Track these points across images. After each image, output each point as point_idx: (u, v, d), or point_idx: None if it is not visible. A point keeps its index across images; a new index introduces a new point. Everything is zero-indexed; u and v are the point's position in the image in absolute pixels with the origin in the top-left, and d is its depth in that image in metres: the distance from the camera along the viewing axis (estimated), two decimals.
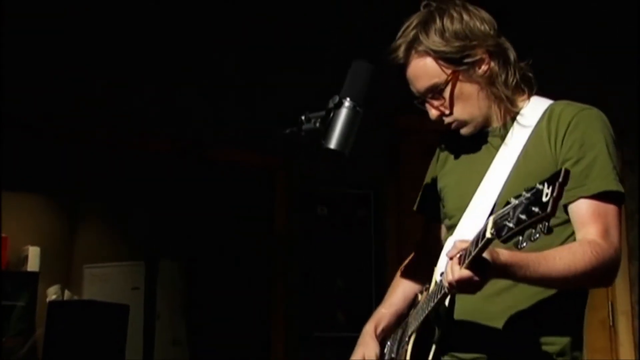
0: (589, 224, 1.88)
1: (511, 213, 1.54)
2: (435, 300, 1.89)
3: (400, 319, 2.23)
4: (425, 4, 2.05)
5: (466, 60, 1.99)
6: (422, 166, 2.36)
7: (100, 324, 3.94)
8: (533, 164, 1.97)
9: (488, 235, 1.58)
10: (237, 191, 4.58)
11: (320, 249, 4.29)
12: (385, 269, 4.17)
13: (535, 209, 1.48)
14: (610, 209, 1.89)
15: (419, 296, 2.16)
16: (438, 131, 2.25)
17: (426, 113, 2.08)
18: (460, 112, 2.03)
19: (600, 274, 1.85)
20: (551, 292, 1.92)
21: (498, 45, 2.02)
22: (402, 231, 4.25)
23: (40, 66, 3.92)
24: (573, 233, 1.92)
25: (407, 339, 2.06)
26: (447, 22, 1.99)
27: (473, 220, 2.00)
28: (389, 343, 2.22)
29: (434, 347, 1.98)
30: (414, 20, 2.03)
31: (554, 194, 1.46)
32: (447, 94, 2.01)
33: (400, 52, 2.03)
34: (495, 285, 1.80)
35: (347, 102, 1.87)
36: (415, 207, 2.35)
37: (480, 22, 2.01)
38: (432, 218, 2.29)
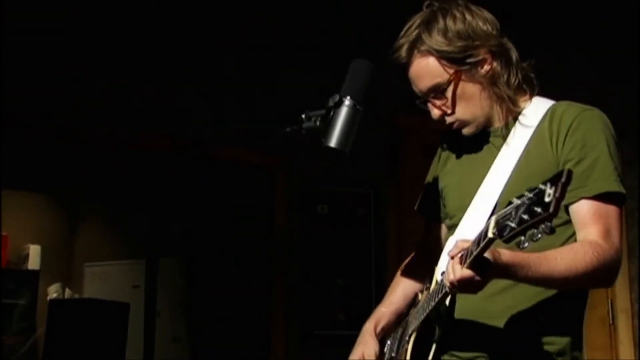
0: (590, 224, 1.87)
1: (513, 213, 1.53)
2: (436, 300, 1.89)
3: (400, 318, 2.23)
4: (427, 4, 2.05)
5: (469, 60, 1.99)
6: (422, 166, 2.36)
7: (100, 322, 3.95)
8: (534, 164, 1.97)
9: (490, 235, 1.58)
10: (237, 190, 4.59)
11: (320, 247, 4.29)
12: (385, 268, 4.17)
13: (538, 209, 1.48)
14: (611, 209, 1.89)
15: (419, 295, 2.16)
16: (438, 131, 2.25)
17: (427, 113, 2.08)
18: (462, 112, 2.03)
19: (601, 275, 1.85)
20: (551, 292, 1.92)
21: (500, 45, 2.02)
22: (402, 230, 4.25)
23: (41, 66, 3.93)
24: (574, 233, 1.92)
25: (407, 338, 2.05)
26: (449, 22, 1.98)
27: (474, 220, 2.00)
28: (388, 342, 2.22)
29: (434, 346, 1.98)
30: (417, 20, 2.03)
31: (557, 194, 1.46)
32: (449, 93, 2.01)
33: (403, 52, 2.02)
34: (495, 285, 1.79)
35: (347, 101, 1.86)
36: (416, 207, 2.34)
37: (482, 22, 2.01)
38: (432, 218, 2.28)
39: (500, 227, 1.56)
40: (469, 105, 2.02)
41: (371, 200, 4.39)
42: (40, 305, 4.92)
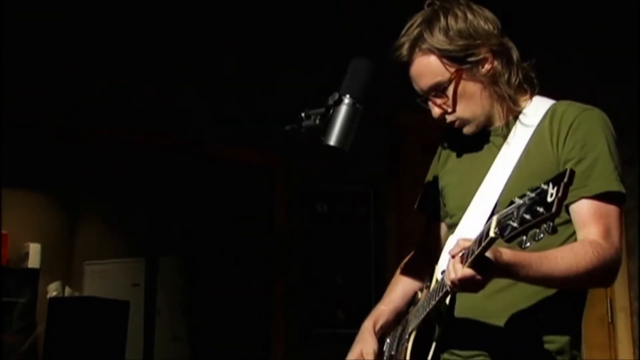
0: (591, 224, 1.88)
1: (515, 213, 1.54)
2: (437, 299, 1.89)
3: (399, 316, 2.23)
4: (429, 3, 2.05)
5: (470, 59, 1.99)
6: (422, 164, 2.36)
7: (100, 320, 3.95)
8: (535, 164, 1.97)
9: (492, 234, 1.58)
10: (237, 189, 4.59)
11: (320, 246, 4.29)
12: (385, 267, 4.17)
13: (540, 209, 1.49)
14: (612, 209, 1.90)
15: (419, 294, 2.16)
16: (438, 130, 2.25)
17: (427, 111, 2.08)
18: (462, 110, 2.03)
19: (601, 274, 1.86)
20: (551, 291, 1.93)
21: (501, 44, 2.02)
22: (402, 229, 4.25)
23: (41, 65, 3.93)
24: (574, 232, 1.93)
25: (407, 336, 2.05)
26: (451, 20, 1.98)
27: (474, 219, 2.00)
28: (388, 340, 2.22)
29: (434, 344, 1.98)
30: (418, 18, 2.03)
31: (560, 194, 1.46)
32: (450, 92, 2.01)
33: (404, 50, 2.02)
34: (495, 283, 1.79)
35: (346, 99, 1.86)
36: (416, 205, 2.34)
37: (484, 21, 2.01)
38: (432, 216, 2.28)
39: (502, 226, 1.56)
40: (470, 104, 2.03)
41: (371, 199, 4.39)
42: (40, 303, 4.93)
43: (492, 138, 2.08)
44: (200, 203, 4.89)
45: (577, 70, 4.44)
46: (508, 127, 2.05)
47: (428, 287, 2.08)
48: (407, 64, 2.04)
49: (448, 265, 1.74)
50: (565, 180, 1.47)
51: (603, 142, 1.94)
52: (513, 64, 2.03)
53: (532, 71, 2.07)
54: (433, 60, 2.00)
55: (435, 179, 2.24)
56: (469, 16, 2.00)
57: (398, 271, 2.33)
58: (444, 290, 1.82)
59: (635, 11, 4.29)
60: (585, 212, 1.89)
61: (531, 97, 2.07)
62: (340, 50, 4.11)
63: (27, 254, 5.22)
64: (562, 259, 1.79)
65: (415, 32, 2.01)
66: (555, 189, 1.47)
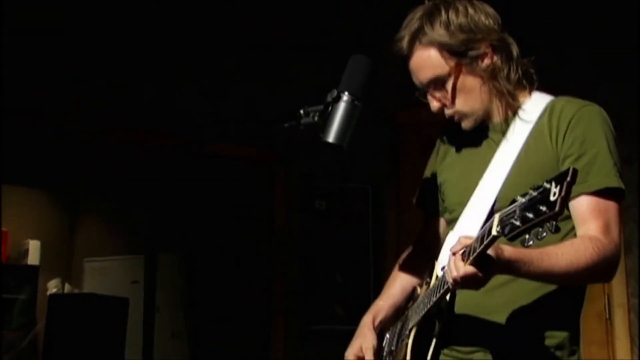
0: (590, 220, 1.88)
1: (518, 211, 1.54)
2: (438, 296, 1.89)
3: (398, 312, 2.23)
4: None
5: (470, 54, 1.99)
6: (421, 161, 2.35)
7: (100, 317, 3.96)
8: (534, 160, 1.98)
9: (494, 232, 1.59)
10: (236, 186, 4.60)
11: (318, 243, 4.30)
12: (384, 264, 4.18)
13: (543, 208, 1.49)
14: (611, 205, 1.91)
15: (418, 289, 2.16)
16: (438, 126, 2.26)
17: (426, 108, 2.08)
18: (461, 104, 2.03)
19: (601, 270, 1.86)
20: (550, 286, 1.93)
21: (502, 40, 2.03)
22: (401, 226, 4.25)
23: (41, 63, 3.94)
24: (573, 228, 1.93)
25: (407, 332, 2.06)
26: (452, 15, 1.99)
27: (474, 215, 2.01)
28: (387, 335, 2.22)
29: (434, 340, 1.99)
30: (419, 12, 2.03)
31: (562, 193, 1.46)
32: (449, 86, 2.01)
33: (404, 43, 2.03)
34: (495, 279, 1.79)
35: (345, 96, 1.87)
36: (414, 201, 2.34)
37: (485, 16, 2.01)
38: (431, 211, 2.29)
39: (504, 224, 1.57)
40: (469, 98, 2.03)
41: (369, 196, 4.40)
42: (40, 300, 4.92)
43: (490, 134, 2.08)
44: (199, 200, 4.90)
45: (577, 69, 4.43)
46: (507, 123, 2.05)
47: (428, 283, 2.08)
48: (407, 57, 2.04)
49: (449, 263, 1.74)
50: (569, 179, 1.47)
51: (602, 138, 1.95)
52: (513, 60, 2.03)
53: (531, 67, 2.07)
54: (433, 53, 2.00)
55: (434, 174, 2.25)
56: (470, 11, 2.00)
57: (396, 266, 2.33)
58: (445, 287, 1.82)
59: (635, 11, 4.29)
60: (584, 208, 1.89)
61: (530, 93, 2.07)
62: (340, 50, 4.12)
63: (27, 251, 5.22)
64: (563, 255, 1.79)
65: (416, 25, 2.01)
66: (558, 188, 1.47)
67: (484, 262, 1.68)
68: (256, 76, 4.39)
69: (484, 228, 1.65)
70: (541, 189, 1.51)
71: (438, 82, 2.02)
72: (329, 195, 4.37)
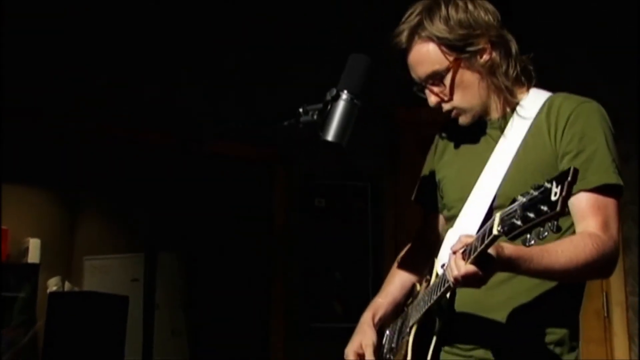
0: (589, 216, 1.89)
1: (519, 211, 1.54)
2: (439, 294, 1.89)
3: (397, 308, 2.24)
4: None
5: (469, 49, 2.00)
6: (420, 160, 2.36)
7: (100, 315, 3.96)
8: (532, 156, 1.98)
9: (495, 232, 1.59)
10: (236, 184, 4.60)
11: (318, 241, 4.31)
12: (383, 261, 4.18)
13: (544, 208, 1.49)
14: (610, 202, 1.91)
15: (417, 286, 2.17)
16: (437, 125, 2.26)
17: (426, 107, 2.09)
18: (459, 100, 2.04)
19: (600, 266, 1.87)
20: (550, 283, 1.94)
21: (500, 36, 2.03)
22: (400, 224, 4.26)
23: (42, 62, 3.95)
24: (572, 225, 1.94)
25: (408, 330, 2.06)
26: (452, 10, 2.00)
27: (473, 212, 2.02)
28: (387, 332, 2.23)
29: (434, 338, 1.99)
30: (418, 6, 2.04)
31: (564, 193, 1.46)
32: (447, 81, 2.02)
33: (403, 37, 2.03)
34: (494, 277, 1.79)
35: (344, 95, 1.87)
36: (413, 197, 2.35)
37: (484, 12, 2.02)
38: (430, 208, 2.29)
39: (505, 224, 1.57)
40: (467, 93, 2.03)
41: (369, 194, 4.40)
42: (40, 298, 4.93)
43: (489, 130, 2.09)
44: (199, 198, 4.90)
45: (577, 69, 4.44)
46: (505, 119, 2.06)
47: (428, 280, 2.08)
48: (406, 51, 2.05)
49: (450, 262, 1.75)
50: (569, 179, 1.47)
51: (600, 135, 1.95)
52: (511, 56, 2.04)
53: (530, 64, 2.08)
54: (432, 48, 2.01)
55: (432, 171, 2.25)
56: (470, 7, 2.01)
57: (395, 263, 2.34)
58: (446, 285, 1.83)
59: (635, 11, 4.30)
60: (583, 204, 1.90)
61: (528, 90, 2.08)
62: (340, 50, 4.13)
63: (27, 249, 5.23)
64: (563, 252, 1.80)
65: (415, 19, 2.02)
66: (559, 187, 1.47)
67: (485, 260, 1.68)
68: (256, 76, 4.39)
69: (484, 227, 1.65)
70: (542, 189, 1.51)
71: (436, 77, 2.03)
72: (328, 193, 4.38)
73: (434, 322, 2.01)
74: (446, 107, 2.06)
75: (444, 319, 2.00)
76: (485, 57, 2.02)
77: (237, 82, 4.36)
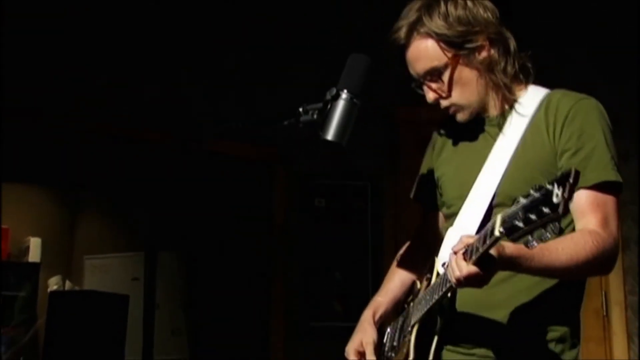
0: (589, 213, 1.90)
1: (520, 212, 1.54)
2: (440, 294, 1.89)
3: (398, 306, 2.25)
4: None
5: (467, 46, 2.00)
6: (420, 159, 2.36)
7: (100, 314, 3.95)
8: (531, 154, 1.99)
9: (497, 233, 1.59)
10: (236, 185, 4.60)
11: (318, 240, 4.32)
12: (382, 260, 4.18)
13: (546, 210, 1.49)
14: (609, 199, 1.92)
15: (418, 284, 2.18)
16: (436, 124, 2.27)
17: (426, 106, 2.09)
18: (457, 96, 2.04)
19: (600, 263, 1.88)
20: (550, 281, 1.95)
21: (499, 33, 2.04)
22: (400, 223, 4.26)
23: (42, 61, 3.95)
24: (572, 221, 1.95)
25: (409, 329, 2.06)
26: (451, 7, 2.00)
27: (473, 211, 2.02)
28: (388, 330, 2.23)
29: (436, 337, 2.00)
30: (417, 3, 2.04)
31: (565, 195, 1.47)
32: (446, 77, 2.02)
33: (402, 33, 2.03)
34: (495, 275, 1.79)
35: (344, 94, 1.87)
36: (411, 195, 2.35)
37: (483, 9, 2.03)
38: (429, 206, 2.30)
39: (507, 226, 1.57)
40: (465, 90, 2.04)
41: (369, 194, 4.41)
42: (40, 297, 4.93)
43: (487, 128, 2.09)
44: (199, 199, 4.90)
45: (577, 69, 4.45)
46: (504, 117, 2.06)
47: (429, 279, 2.09)
48: (404, 47, 2.05)
49: (451, 263, 1.75)
50: (571, 180, 1.47)
51: (599, 132, 1.96)
52: (510, 53, 2.04)
53: (528, 61, 2.08)
54: (431, 44, 2.01)
55: (431, 168, 2.25)
56: (469, 4, 2.02)
57: (395, 261, 2.35)
58: (448, 285, 1.83)
59: (635, 11, 4.30)
60: (583, 202, 1.90)
61: (526, 86, 2.08)
62: (340, 50, 4.13)
63: (27, 248, 5.22)
64: (563, 249, 1.80)
65: (414, 16, 2.02)
66: (561, 189, 1.47)
67: (487, 261, 1.69)
68: (256, 76, 4.40)
69: (486, 228, 1.66)
70: (543, 190, 1.51)
71: (435, 73, 2.03)
72: (328, 193, 4.38)
73: (435, 321, 2.01)
74: (444, 103, 2.06)
75: (446, 318, 2.01)
76: (484, 54, 2.02)
77: (237, 82, 4.37)
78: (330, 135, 1.85)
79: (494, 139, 2.06)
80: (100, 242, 5.47)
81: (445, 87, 2.04)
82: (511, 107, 2.06)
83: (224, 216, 4.88)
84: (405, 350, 2.05)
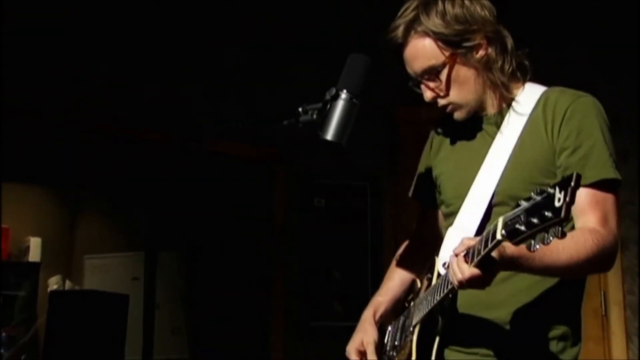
0: (588, 212, 1.90)
1: (522, 216, 1.54)
2: (442, 295, 1.89)
3: (398, 305, 2.25)
4: None
5: (465, 44, 1.99)
6: (419, 158, 2.36)
7: (100, 314, 3.96)
8: (530, 153, 1.99)
9: (499, 236, 1.59)
10: (236, 183, 4.61)
11: (318, 240, 4.32)
12: (382, 260, 4.18)
13: (548, 214, 1.49)
14: (608, 196, 1.92)
15: (418, 283, 2.18)
16: (435, 122, 2.27)
17: (425, 106, 2.09)
18: (455, 95, 2.04)
19: (600, 261, 1.88)
20: (551, 280, 1.95)
21: (497, 32, 2.03)
22: (399, 223, 4.26)
23: (42, 61, 3.95)
24: (571, 220, 1.94)
25: (411, 329, 2.06)
26: (448, 5, 1.99)
27: (473, 210, 2.02)
28: (389, 329, 2.23)
29: (438, 337, 2.00)
30: (414, 1, 2.03)
31: (568, 199, 1.46)
32: (443, 76, 2.02)
33: (399, 32, 2.03)
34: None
35: (343, 94, 1.87)
36: (410, 194, 2.35)
37: (480, 8, 2.02)
38: (428, 204, 2.29)
39: (509, 229, 1.57)
40: (463, 89, 2.03)
41: (368, 194, 4.41)
42: (40, 296, 4.94)
43: (485, 126, 2.09)
44: (199, 199, 4.91)
45: (577, 69, 4.45)
46: (501, 115, 2.06)
47: (429, 279, 2.08)
48: (402, 46, 2.04)
49: (452, 265, 1.75)
50: (573, 185, 1.47)
51: (597, 130, 1.96)
52: (507, 52, 2.04)
53: (526, 59, 2.08)
54: (428, 43, 2.01)
55: (429, 167, 2.25)
56: (466, 2, 2.01)
57: (394, 260, 2.34)
58: (450, 287, 1.83)
59: (635, 11, 4.31)
60: (582, 200, 1.89)
61: (523, 84, 2.08)
62: (340, 50, 4.13)
63: (27, 248, 5.24)
64: (564, 249, 1.80)
65: (412, 14, 2.02)
66: (563, 193, 1.47)
67: (488, 262, 1.69)
68: (256, 76, 4.40)
69: (487, 230, 1.66)
70: (545, 194, 1.51)
71: (432, 72, 2.02)
72: (328, 193, 4.39)
73: (436, 321, 2.01)
74: (442, 102, 2.06)
75: (447, 318, 2.00)
76: (481, 52, 2.02)
77: (237, 82, 4.37)
78: (329, 135, 1.85)
79: (492, 137, 2.06)
80: (100, 242, 5.48)
81: (442, 86, 2.03)
82: (509, 105, 2.06)
83: (224, 216, 4.89)
84: (407, 351, 2.05)
